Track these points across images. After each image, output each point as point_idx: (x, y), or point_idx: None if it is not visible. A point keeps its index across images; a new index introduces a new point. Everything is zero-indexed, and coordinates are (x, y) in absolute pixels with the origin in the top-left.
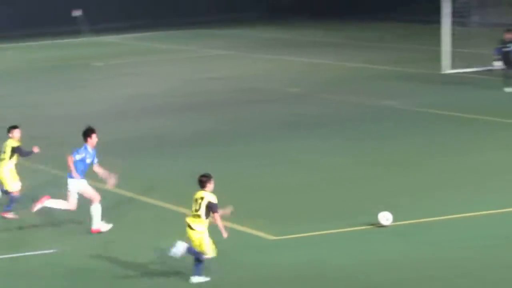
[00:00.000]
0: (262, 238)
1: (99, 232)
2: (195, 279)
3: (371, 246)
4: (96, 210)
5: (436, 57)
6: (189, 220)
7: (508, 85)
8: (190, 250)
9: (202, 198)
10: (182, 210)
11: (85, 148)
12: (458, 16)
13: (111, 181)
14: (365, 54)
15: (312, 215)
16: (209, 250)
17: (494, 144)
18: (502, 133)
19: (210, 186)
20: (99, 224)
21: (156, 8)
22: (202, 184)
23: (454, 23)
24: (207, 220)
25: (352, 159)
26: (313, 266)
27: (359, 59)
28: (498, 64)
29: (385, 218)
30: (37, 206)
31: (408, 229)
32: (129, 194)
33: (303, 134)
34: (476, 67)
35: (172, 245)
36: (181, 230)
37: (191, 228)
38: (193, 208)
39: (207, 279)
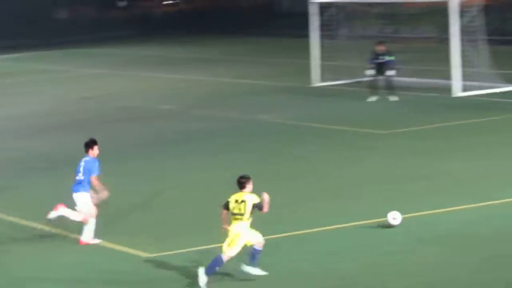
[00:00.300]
0: (137, 256)
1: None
2: (249, 269)
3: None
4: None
5: (306, 71)
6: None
7: (374, 95)
8: (210, 267)
9: (244, 201)
10: (42, 227)
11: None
12: (327, 30)
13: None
14: (238, 69)
15: (190, 231)
16: (234, 249)
17: (364, 155)
18: (371, 143)
19: (249, 186)
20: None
21: (26, 28)
22: (241, 185)
23: (323, 36)
24: (250, 220)
25: (227, 173)
26: (183, 283)
27: (232, 74)
28: (371, 73)
29: (393, 217)
30: (52, 214)
31: (284, 241)
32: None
33: (177, 151)
34: (345, 79)
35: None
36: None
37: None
38: (235, 210)
39: (264, 273)
